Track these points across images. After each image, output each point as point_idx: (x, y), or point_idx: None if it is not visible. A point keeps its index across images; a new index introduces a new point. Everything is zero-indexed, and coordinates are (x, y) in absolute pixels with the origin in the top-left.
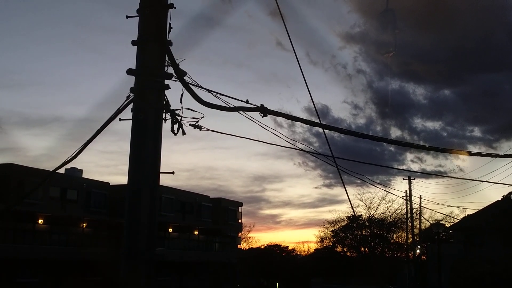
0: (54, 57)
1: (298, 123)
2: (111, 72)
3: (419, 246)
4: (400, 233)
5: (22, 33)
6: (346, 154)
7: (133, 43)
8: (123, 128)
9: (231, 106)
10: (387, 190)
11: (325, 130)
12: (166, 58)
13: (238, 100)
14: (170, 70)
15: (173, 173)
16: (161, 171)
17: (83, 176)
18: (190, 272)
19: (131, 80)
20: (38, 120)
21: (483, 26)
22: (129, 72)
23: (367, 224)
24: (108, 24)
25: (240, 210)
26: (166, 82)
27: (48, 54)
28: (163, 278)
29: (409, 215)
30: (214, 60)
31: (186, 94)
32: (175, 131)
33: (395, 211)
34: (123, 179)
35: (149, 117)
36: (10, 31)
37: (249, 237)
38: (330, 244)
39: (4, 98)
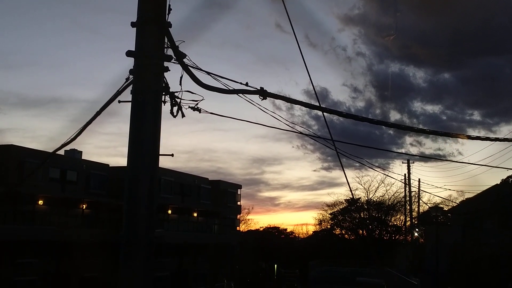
0: (51, 37)
1: (297, 106)
2: (109, 52)
3: (417, 229)
4: (398, 216)
5: (18, 13)
6: (345, 137)
7: (132, 24)
8: (122, 109)
9: (231, 88)
10: (386, 174)
11: (324, 113)
12: (166, 40)
13: (237, 82)
14: (170, 52)
15: (172, 155)
16: (160, 153)
17: (83, 157)
18: (189, 254)
19: (130, 62)
20: (36, 100)
21: (484, 10)
22: (128, 54)
23: (366, 207)
24: (106, 4)
25: (239, 192)
26: (166, 64)
27: (45, 34)
28: (162, 260)
29: (407, 198)
30: (213, 41)
31: (186, 76)
32: (175, 114)
33: (393, 194)
34: (122, 161)
35: (148, 100)
36: (6, 12)
37: (248, 219)
38: (329, 226)
39: (1, 79)
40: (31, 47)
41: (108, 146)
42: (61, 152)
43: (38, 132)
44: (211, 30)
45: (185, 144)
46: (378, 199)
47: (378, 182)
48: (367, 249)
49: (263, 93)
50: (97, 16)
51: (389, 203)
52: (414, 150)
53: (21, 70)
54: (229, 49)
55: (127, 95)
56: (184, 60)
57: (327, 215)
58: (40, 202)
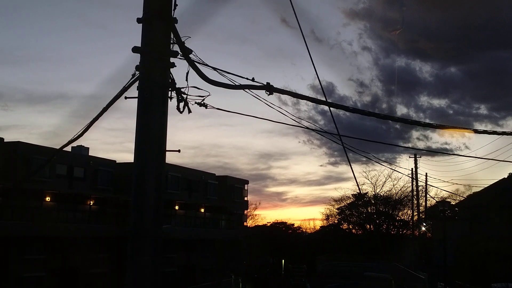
0: (57, 33)
1: (303, 101)
2: (115, 48)
3: (424, 224)
4: (405, 211)
5: (24, 9)
6: (351, 132)
7: (138, 20)
8: (129, 105)
9: (237, 84)
10: (393, 168)
11: (330, 108)
12: (172, 36)
13: (244, 78)
14: (176, 48)
15: (179, 151)
16: (167, 149)
17: (90, 154)
18: (197, 249)
19: (137, 58)
20: (42, 96)
21: (490, 4)
22: (135, 50)
23: (373, 201)
24: (112, 0)
25: (246, 187)
26: (172, 60)
27: (51, 30)
28: (170, 255)
29: (415, 192)
30: (218, 36)
31: (192, 72)
32: (181, 109)
33: (400, 189)
34: (129, 157)
35: (155, 96)
36: (13, 8)
37: (255, 215)
38: (336, 221)
39: (7, 75)
40: (37, 43)
41: (115, 142)
42: (68, 148)
43: (44, 129)
44: (216, 24)
45: (192, 139)
46: (385, 194)
47: (385, 177)
48: (374, 244)
49: (270, 88)
50: (103, 12)
51: (396, 197)
52: (421, 145)
53: (27, 66)
54: (235, 44)
55: (133, 91)
56: (190, 55)
57: (334, 210)
58: (48, 198)
